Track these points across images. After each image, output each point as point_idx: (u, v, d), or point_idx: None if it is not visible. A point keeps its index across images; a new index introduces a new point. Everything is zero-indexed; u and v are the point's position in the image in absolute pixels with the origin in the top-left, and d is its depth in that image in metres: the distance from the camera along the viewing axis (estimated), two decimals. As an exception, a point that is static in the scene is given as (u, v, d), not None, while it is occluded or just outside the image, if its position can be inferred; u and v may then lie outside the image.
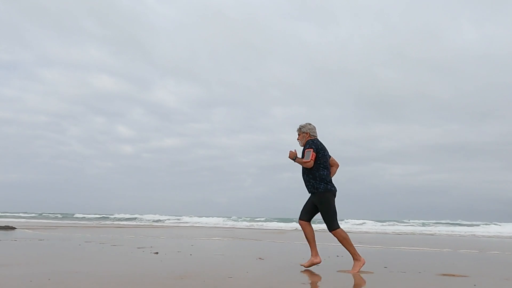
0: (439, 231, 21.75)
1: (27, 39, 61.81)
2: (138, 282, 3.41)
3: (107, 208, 72.51)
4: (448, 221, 30.81)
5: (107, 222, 32.75)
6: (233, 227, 23.43)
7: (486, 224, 25.01)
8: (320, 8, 61.79)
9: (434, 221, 30.58)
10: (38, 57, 63.58)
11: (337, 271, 4.42)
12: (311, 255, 4.58)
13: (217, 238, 11.21)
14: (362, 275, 4.17)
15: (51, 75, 63.91)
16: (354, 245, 4.42)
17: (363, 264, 4.38)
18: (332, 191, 4.45)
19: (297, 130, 4.77)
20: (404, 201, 57.50)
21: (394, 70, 59.30)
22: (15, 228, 14.54)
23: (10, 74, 64.08)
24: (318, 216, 4.65)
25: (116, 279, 3.56)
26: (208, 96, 68.37)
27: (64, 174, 67.87)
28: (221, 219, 35.12)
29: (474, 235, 18.24)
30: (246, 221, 33.72)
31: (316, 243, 4.71)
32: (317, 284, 3.63)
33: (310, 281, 3.72)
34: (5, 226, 14.78)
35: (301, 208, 4.71)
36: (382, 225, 26.61)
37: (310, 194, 4.63)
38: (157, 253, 6.27)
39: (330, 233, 4.40)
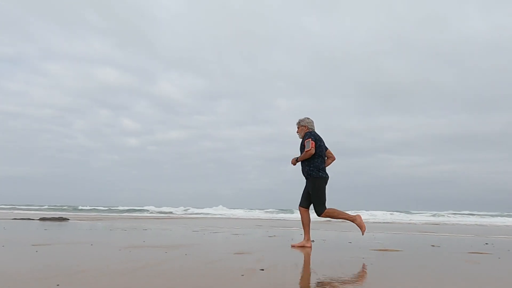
0: (471, 221, 22.09)
1: (30, 32, 60.81)
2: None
3: (113, 200, 72.33)
4: (468, 211, 31.28)
5: (138, 214, 32.44)
6: (262, 218, 23.42)
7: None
8: (324, -3, 61.46)
9: (452, 212, 30.99)
10: (42, 50, 63.00)
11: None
12: (304, 239, 5.10)
13: (295, 228, 11.19)
14: None
15: (56, 68, 63.48)
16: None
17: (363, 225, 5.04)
18: (324, 178, 4.95)
19: (296, 123, 5.26)
20: (409, 192, 58.07)
21: (399, 60, 59.14)
22: (69, 219, 14.34)
23: (15, 67, 63.77)
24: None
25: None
26: (212, 88, 68.03)
27: (70, 167, 67.80)
28: (241, 210, 35.22)
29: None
30: (261, 212, 33.82)
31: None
32: None
33: None
34: (59, 217, 14.61)
35: (301, 196, 5.20)
36: (409, 216, 26.93)
37: (306, 181, 5.10)
38: (313, 241, 6.23)
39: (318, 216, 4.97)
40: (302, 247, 5.00)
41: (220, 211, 34.72)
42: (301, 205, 5.15)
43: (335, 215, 4.90)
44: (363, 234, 5.18)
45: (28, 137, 65.82)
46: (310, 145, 4.88)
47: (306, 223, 5.12)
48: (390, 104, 62.98)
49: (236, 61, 67.30)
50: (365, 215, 27.22)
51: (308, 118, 5.21)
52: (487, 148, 54.57)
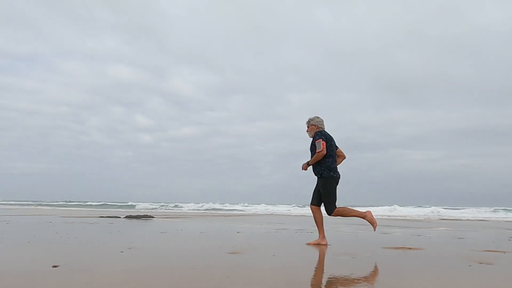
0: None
1: (43, 30, 60.25)
2: None
3: (128, 196, 71.92)
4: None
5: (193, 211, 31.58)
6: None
7: None
8: (334, -12, 60.55)
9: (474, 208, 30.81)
10: (56, 48, 62.98)
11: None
12: (319, 237, 5.02)
13: (400, 227, 10.65)
14: None
15: (70, 66, 63.70)
16: None
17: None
18: (335, 178, 4.90)
19: (306, 122, 5.18)
20: (425, 187, 58.04)
21: (413, 52, 58.48)
22: (153, 217, 13.55)
23: (30, 66, 63.86)
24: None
25: None
26: (224, 84, 67.50)
27: (85, 163, 67.83)
28: (269, 206, 34.64)
29: None
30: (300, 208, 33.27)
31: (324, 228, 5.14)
32: None
33: None
34: (144, 215, 13.84)
35: (312, 194, 5.13)
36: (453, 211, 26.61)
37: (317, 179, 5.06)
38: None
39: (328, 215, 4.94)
40: (317, 244, 4.94)
41: (258, 207, 34.01)
42: (312, 203, 5.09)
43: (346, 213, 4.86)
44: (374, 230, 5.05)
45: (44, 134, 65.71)
46: (321, 145, 4.81)
47: (319, 221, 5.06)
48: (404, 98, 62.71)
49: (246, 56, 66.59)
50: (400, 211, 26.83)
51: (318, 117, 5.13)
52: (505, 141, 54.09)
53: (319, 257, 3.91)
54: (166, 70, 67.84)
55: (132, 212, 18.90)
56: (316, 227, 5.10)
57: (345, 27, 61.64)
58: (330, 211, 4.86)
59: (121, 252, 3.93)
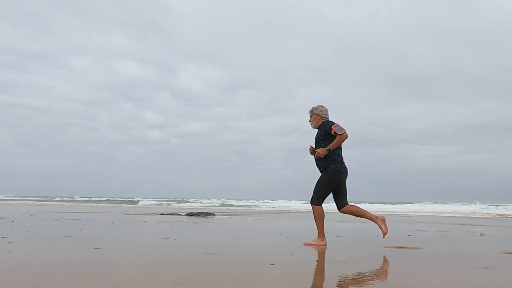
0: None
1: (52, 27, 59.96)
2: None
3: (138, 192, 71.27)
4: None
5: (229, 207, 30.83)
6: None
7: None
8: (343, -19, 59.77)
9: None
10: (65, 45, 63.18)
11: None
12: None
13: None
14: None
15: (79, 63, 63.36)
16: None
17: (323, 246, 4.47)
18: (341, 172, 4.57)
19: (309, 112, 4.89)
20: (436, 183, 57.87)
21: (424, 45, 57.78)
22: (214, 215, 12.89)
23: (40, 63, 64.14)
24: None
25: None
26: (232, 79, 66.98)
27: (96, 160, 67.90)
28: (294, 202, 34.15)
29: None
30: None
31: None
32: None
33: None
34: (205, 212, 13.20)
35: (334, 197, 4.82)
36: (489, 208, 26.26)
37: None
38: None
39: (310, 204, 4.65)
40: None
41: (276, 203, 33.49)
42: (339, 207, 4.74)
43: (318, 219, 4.58)
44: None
45: (55, 131, 65.45)
46: (342, 127, 4.50)
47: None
48: (415, 92, 62.34)
49: (255, 51, 65.91)
50: (426, 207, 26.42)
51: (322, 106, 4.86)
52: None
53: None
54: (175, 66, 67.45)
55: (134, 209, 18.16)
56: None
57: (355, 21, 61.16)
58: (312, 202, 4.60)
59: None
